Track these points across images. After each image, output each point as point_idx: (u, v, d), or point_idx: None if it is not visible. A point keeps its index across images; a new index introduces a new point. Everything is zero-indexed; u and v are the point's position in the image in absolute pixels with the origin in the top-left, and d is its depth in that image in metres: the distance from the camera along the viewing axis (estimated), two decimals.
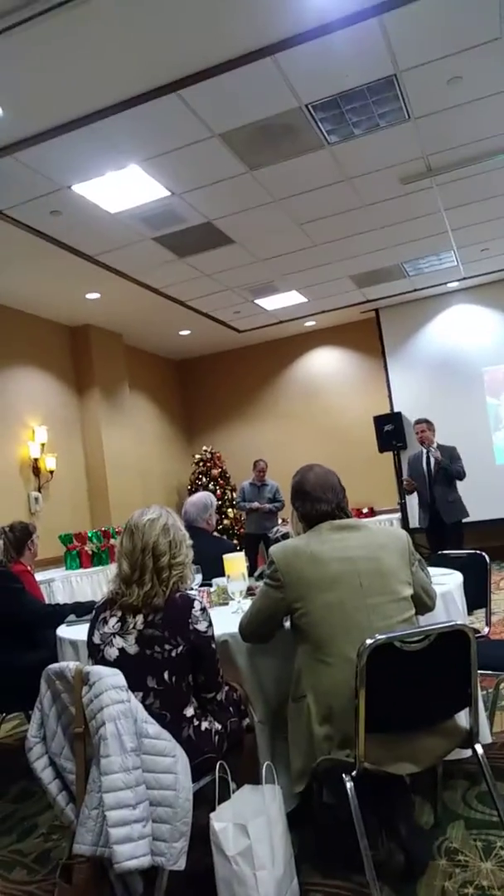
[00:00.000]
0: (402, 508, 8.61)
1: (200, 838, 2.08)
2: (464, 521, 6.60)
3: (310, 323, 9.46)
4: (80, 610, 3.21)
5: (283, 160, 4.95)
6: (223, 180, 5.13)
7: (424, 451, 6.70)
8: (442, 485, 6.56)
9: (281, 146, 4.76)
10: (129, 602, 2.10)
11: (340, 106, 4.39)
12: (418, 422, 6.77)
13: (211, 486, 9.35)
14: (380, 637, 1.89)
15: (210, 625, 2.16)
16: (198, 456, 9.79)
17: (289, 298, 8.19)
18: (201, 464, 9.67)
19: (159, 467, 9.70)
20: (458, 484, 6.63)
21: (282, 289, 7.82)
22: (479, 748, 2.08)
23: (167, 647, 2.05)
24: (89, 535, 6.82)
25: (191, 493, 9.48)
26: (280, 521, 8.04)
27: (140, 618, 2.09)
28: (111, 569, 6.65)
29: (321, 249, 6.75)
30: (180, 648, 2.06)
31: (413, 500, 8.46)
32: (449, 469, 6.52)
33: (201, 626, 2.12)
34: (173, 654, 2.05)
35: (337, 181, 5.38)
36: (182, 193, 5.24)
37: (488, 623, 3.38)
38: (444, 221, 6.46)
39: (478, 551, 3.54)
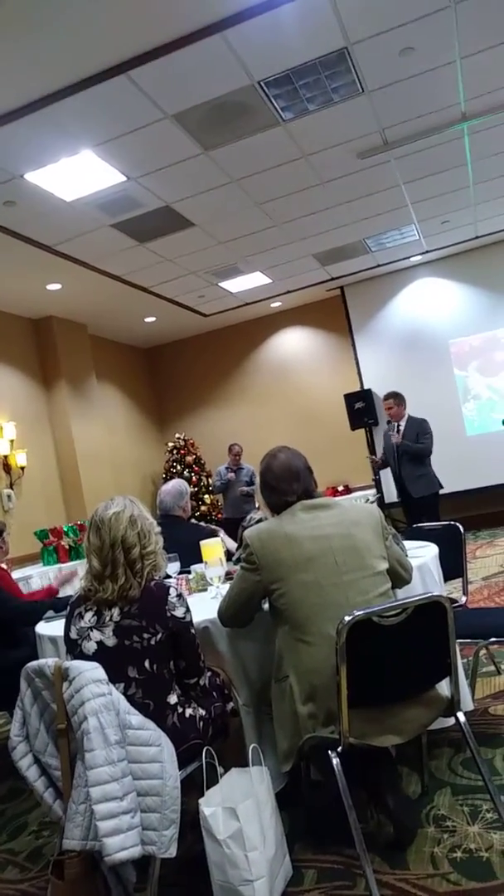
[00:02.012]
0: (377, 484, 8.67)
1: (191, 824, 2.09)
2: (439, 493, 6.63)
3: (276, 304, 9.42)
4: (58, 605, 3.18)
5: (238, 139, 4.89)
6: (179, 162, 5.05)
7: (395, 425, 6.69)
8: (407, 461, 6.53)
9: (235, 125, 4.70)
10: (104, 597, 2.07)
11: (293, 81, 4.34)
12: (386, 397, 6.75)
13: (186, 473, 9.32)
14: (357, 613, 1.89)
15: (187, 610, 2.15)
16: (171, 444, 9.74)
17: (253, 280, 8.14)
18: (175, 451, 9.63)
19: (132, 457, 9.64)
20: (432, 456, 6.64)
21: (245, 270, 7.77)
22: (461, 716, 2.11)
23: (146, 635, 2.03)
24: (65, 529, 6.76)
25: (165, 481, 9.43)
26: (256, 505, 8.06)
27: (116, 610, 2.07)
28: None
29: (282, 229, 6.71)
30: (159, 636, 2.04)
31: (387, 476, 8.54)
32: (409, 449, 6.49)
33: (178, 612, 2.11)
34: (152, 641, 2.04)
35: (294, 158, 5.33)
36: (138, 178, 5.16)
37: (465, 592, 3.43)
38: (404, 195, 6.45)
39: (452, 522, 3.58)
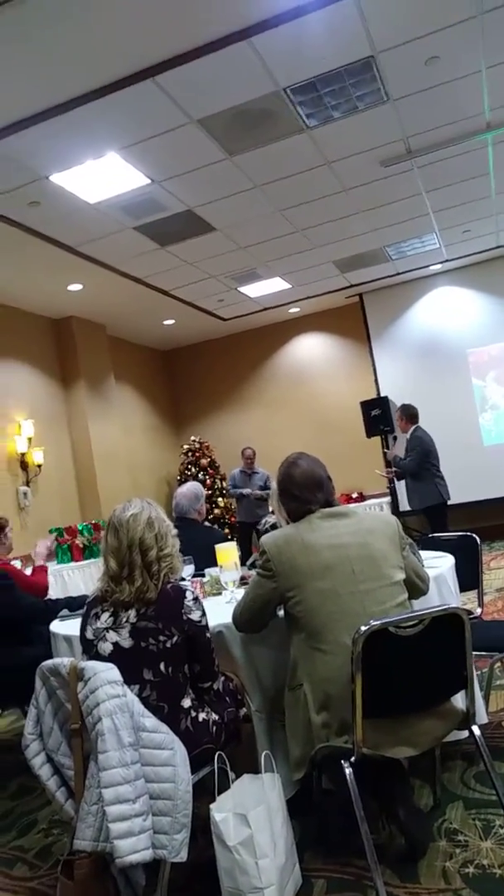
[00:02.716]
0: (392, 493, 8.64)
1: (201, 829, 2.09)
2: (451, 503, 6.60)
3: (294, 309, 9.43)
4: (72, 605, 3.20)
5: (262, 145, 4.90)
6: (202, 167, 5.07)
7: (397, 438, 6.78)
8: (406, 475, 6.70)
9: (260, 131, 4.71)
10: (120, 599, 2.08)
11: (318, 89, 4.35)
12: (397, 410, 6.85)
13: (200, 475, 9.34)
14: (374, 623, 1.89)
15: (203, 614, 2.15)
16: (186, 446, 9.76)
17: (272, 285, 8.15)
18: (190, 454, 9.64)
19: (148, 458, 9.67)
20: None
21: (265, 276, 7.78)
22: (475, 729, 2.09)
23: (161, 638, 2.04)
24: (80, 528, 6.79)
25: (180, 483, 9.45)
26: (270, 509, 8.05)
27: (132, 611, 2.08)
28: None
29: (303, 235, 6.72)
30: (175, 639, 2.05)
31: (402, 484, 8.52)
32: (398, 465, 6.67)
33: (195, 616, 2.11)
34: (168, 644, 2.04)
35: (317, 165, 5.34)
36: (162, 181, 5.19)
37: (480, 604, 3.40)
38: (426, 204, 6.43)
39: (468, 533, 3.56)
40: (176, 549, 2.23)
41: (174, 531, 2.28)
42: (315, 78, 4.21)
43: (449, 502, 6.59)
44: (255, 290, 8.22)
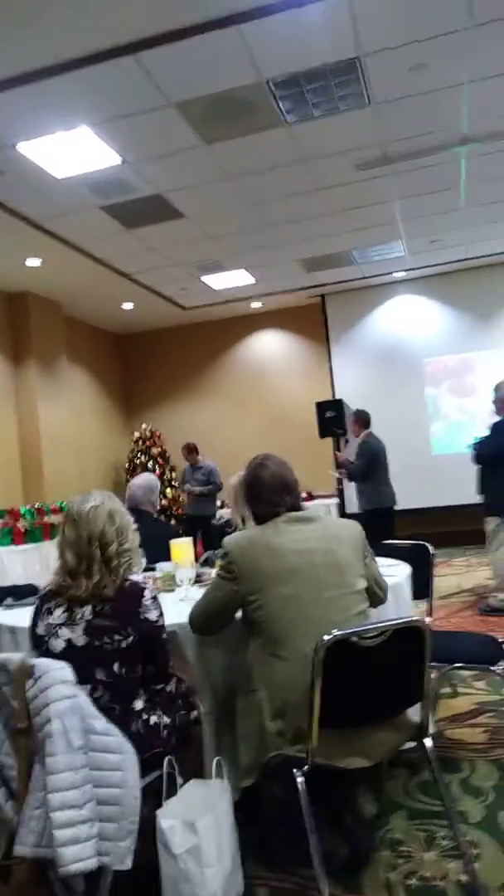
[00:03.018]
0: (340, 494, 8.69)
1: (143, 832, 2.02)
2: (397, 508, 6.67)
3: (256, 304, 9.38)
4: (17, 593, 3.07)
5: (239, 136, 4.83)
6: (177, 152, 4.97)
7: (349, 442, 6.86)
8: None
9: (239, 121, 4.64)
10: (76, 594, 2.00)
11: (301, 85, 4.30)
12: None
13: (150, 464, 9.20)
14: (337, 633, 1.86)
15: (161, 614, 2.09)
16: (137, 434, 9.60)
17: (236, 278, 8.08)
18: (140, 442, 9.49)
19: (97, 443, 9.48)
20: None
21: (230, 267, 7.70)
22: (427, 742, 2.09)
23: (117, 637, 1.97)
24: (22, 511, 6.60)
25: (129, 470, 9.33)
26: (218, 503, 8.00)
27: (88, 608, 2.00)
28: (44, 546, 6.47)
29: (272, 230, 6.67)
30: (130, 639, 1.98)
31: (350, 487, 8.57)
32: (347, 468, 6.81)
33: (152, 616, 2.05)
34: (123, 644, 1.97)
35: (293, 162, 5.30)
36: (134, 162, 5.05)
37: (430, 614, 3.43)
38: (396, 211, 6.47)
39: (421, 542, 3.58)
40: (136, 543, 2.16)
41: (134, 525, 2.21)
42: (299, 73, 4.16)
43: (395, 508, 6.66)
44: (219, 280, 8.14)
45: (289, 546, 2.12)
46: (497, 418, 5.29)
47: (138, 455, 9.43)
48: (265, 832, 2.23)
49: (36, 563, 6.33)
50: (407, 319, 8.80)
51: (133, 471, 9.24)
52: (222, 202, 5.88)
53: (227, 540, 2.20)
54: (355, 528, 2.28)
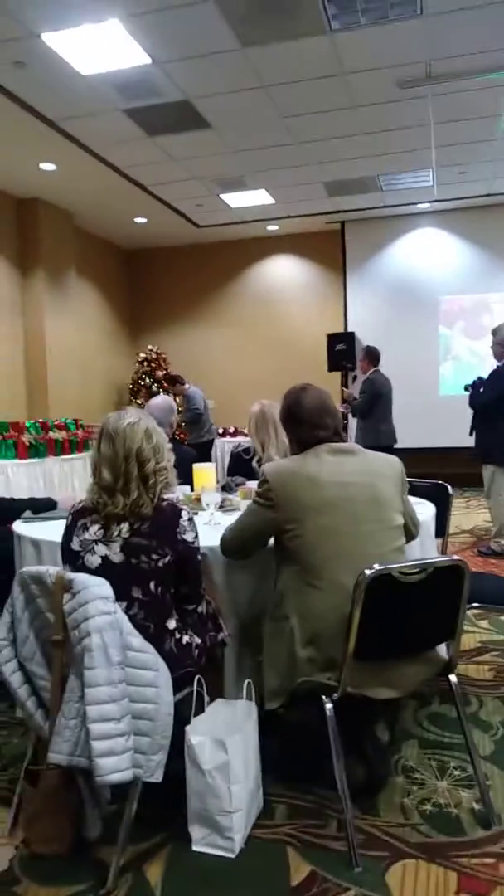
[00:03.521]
0: (345, 430, 8.65)
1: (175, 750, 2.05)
2: (399, 446, 6.61)
3: (272, 227, 9.08)
4: (36, 507, 3.04)
5: (279, 40, 4.54)
6: (211, 54, 4.68)
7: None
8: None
9: (280, 23, 4.34)
10: (113, 512, 1.96)
11: None
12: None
13: (154, 387, 9.09)
14: (380, 568, 1.84)
15: (196, 535, 2.06)
16: (142, 355, 9.44)
17: (256, 197, 7.78)
18: (146, 363, 9.34)
19: (101, 362, 9.33)
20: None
21: (251, 185, 7.41)
22: (453, 677, 2.11)
23: (154, 556, 1.94)
24: (27, 425, 6.53)
25: (132, 392, 9.22)
26: (204, 427, 7.83)
27: (125, 525, 1.96)
28: (48, 462, 6.44)
29: (300, 148, 6.38)
30: (167, 558, 1.96)
31: (353, 423, 8.54)
32: (350, 405, 6.82)
33: (189, 537, 2.02)
34: (160, 563, 1.95)
35: (331, 74, 5.01)
36: (164, 63, 4.76)
37: (444, 553, 3.44)
38: (431, 136, 6.19)
39: (440, 482, 3.56)
40: (171, 463, 2.11)
41: (169, 445, 2.15)
42: None
43: (396, 446, 6.63)
44: (238, 199, 7.84)
45: (329, 478, 2.07)
46: (496, 364, 5.20)
47: (143, 377, 9.29)
48: (286, 753, 2.28)
49: (40, 478, 6.31)
50: (426, 254, 8.56)
51: (137, 392, 9.14)
52: (252, 113, 5.59)
53: (267, 467, 2.15)
54: (397, 463, 2.23)
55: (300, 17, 4.27)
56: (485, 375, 5.32)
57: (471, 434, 5.35)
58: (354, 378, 7.62)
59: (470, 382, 5.40)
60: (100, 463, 2.03)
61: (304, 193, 7.70)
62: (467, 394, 5.37)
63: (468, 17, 4.32)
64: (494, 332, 5.32)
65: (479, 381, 5.35)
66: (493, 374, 5.22)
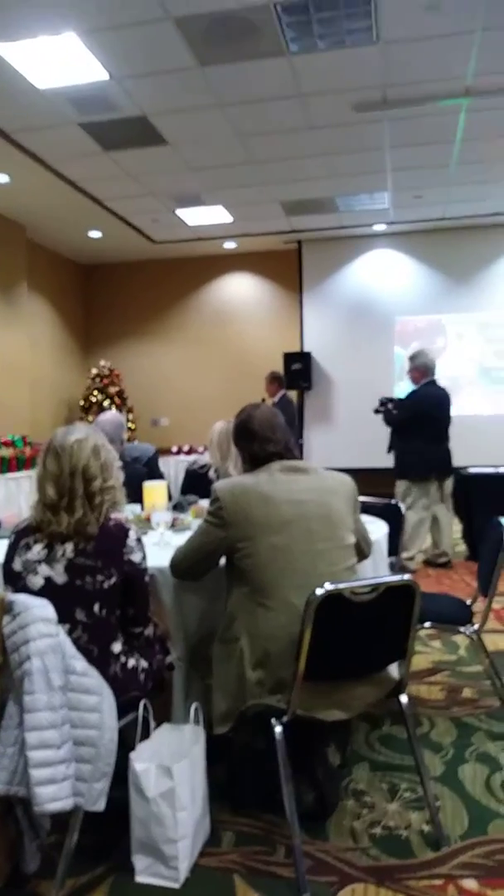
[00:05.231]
0: (300, 448, 8.69)
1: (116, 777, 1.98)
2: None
3: (229, 244, 9.10)
4: None
5: (237, 60, 4.55)
6: (169, 72, 4.67)
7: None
8: None
9: (239, 45, 4.37)
10: (57, 531, 1.90)
11: (310, 12, 4.06)
12: None
13: (107, 403, 8.96)
14: (330, 587, 1.82)
15: (144, 556, 2.02)
16: (95, 370, 9.31)
17: (213, 214, 7.79)
18: (98, 379, 9.21)
19: (52, 378, 9.16)
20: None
21: (208, 202, 7.40)
22: (403, 698, 2.09)
23: (99, 577, 1.89)
24: None
25: (83, 409, 9.08)
26: (201, 448, 7.86)
27: (70, 546, 1.90)
28: None
29: (258, 167, 6.42)
30: (113, 580, 1.90)
31: (315, 440, 8.62)
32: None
33: (136, 557, 1.97)
34: (105, 585, 1.89)
35: (290, 95, 5.05)
36: (122, 78, 4.73)
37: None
38: (386, 159, 6.29)
39: (393, 501, 3.58)
40: (120, 481, 2.06)
41: (119, 462, 2.11)
42: None
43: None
44: (194, 216, 7.84)
45: (283, 496, 2.05)
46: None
47: (94, 393, 9.15)
48: (233, 778, 2.23)
49: (31, 508, 6.13)
50: (382, 275, 8.69)
51: (88, 409, 9.01)
52: (209, 131, 5.60)
53: (218, 485, 2.12)
54: (349, 482, 2.23)
55: (259, 38, 4.31)
56: (386, 397, 5.80)
57: (388, 452, 5.70)
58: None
59: (378, 405, 5.71)
60: (44, 479, 1.97)
61: (261, 212, 7.75)
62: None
63: (423, 45, 4.42)
64: (412, 358, 5.73)
65: (387, 400, 5.71)
66: (411, 394, 5.64)
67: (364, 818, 2.13)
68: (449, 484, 5.56)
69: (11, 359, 7.80)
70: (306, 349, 8.82)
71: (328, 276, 8.84)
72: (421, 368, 5.61)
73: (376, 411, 5.72)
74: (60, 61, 4.50)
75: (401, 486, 5.49)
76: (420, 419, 5.45)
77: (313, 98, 5.08)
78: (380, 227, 8.35)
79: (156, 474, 3.68)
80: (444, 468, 5.52)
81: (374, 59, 4.57)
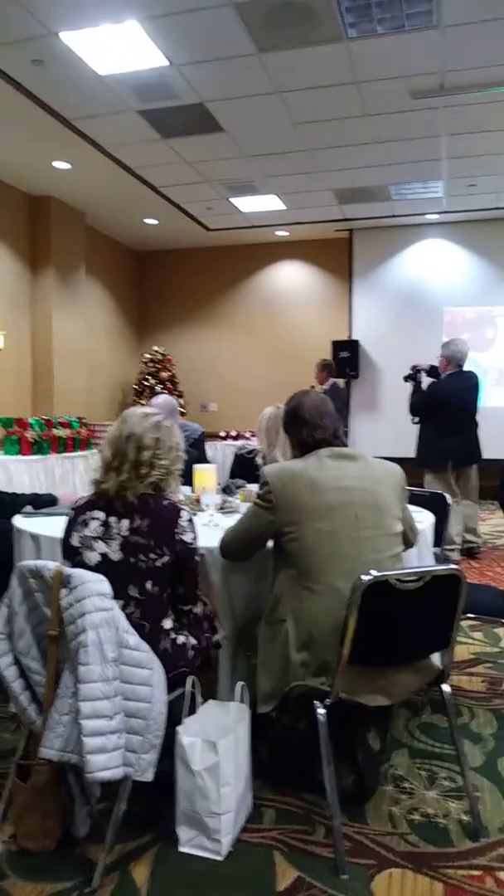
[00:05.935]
0: (345, 435, 8.67)
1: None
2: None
3: (281, 233, 9.10)
4: (37, 502, 3.04)
5: (295, 46, 4.55)
6: (228, 58, 4.70)
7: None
8: None
9: (298, 30, 4.36)
10: (104, 488, 1.98)
11: None
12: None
13: (158, 387, 9.09)
14: (377, 574, 1.84)
15: (195, 536, 2.07)
16: (148, 355, 9.45)
17: (266, 202, 7.80)
18: (151, 364, 9.34)
19: (107, 361, 9.34)
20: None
21: (262, 190, 7.42)
22: (445, 687, 2.11)
23: (152, 555, 1.95)
24: (31, 421, 6.53)
25: (137, 392, 9.23)
26: (249, 434, 7.94)
27: (125, 523, 1.97)
28: (51, 459, 6.45)
29: (312, 155, 6.39)
30: (165, 558, 1.96)
31: (360, 429, 8.59)
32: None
33: (187, 537, 2.03)
34: (158, 563, 1.95)
35: (346, 83, 5.02)
36: (181, 65, 4.78)
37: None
38: (442, 147, 6.20)
39: (440, 492, 3.57)
40: (176, 468, 2.11)
41: (183, 455, 2.16)
42: None
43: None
44: (248, 204, 7.86)
45: (330, 482, 2.08)
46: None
47: (147, 378, 9.29)
48: (275, 757, 2.28)
49: (41, 474, 6.31)
50: (432, 265, 8.57)
51: (141, 393, 9.14)
52: (266, 118, 5.61)
53: (268, 469, 2.16)
54: (397, 471, 2.24)
55: (318, 24, 4.29)
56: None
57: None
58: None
59: (410, 370, 5.67)
60: (106, 441, 2.07)
61: (314, 200, 7.72)
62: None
63: (484, 29, 4.34)
64: (443, 346, 5.60)
65: (419, 369, 5.64)
66: (431, 384, 5.52)
67: (403, 804, 2.15)
68: (473, 474, 5.48)
69: (69, 341, 7.97)
70: (354, 338, 8.77)
71: (378, 265, 8.76)
72: (448, 357, 5.50)
73: (406, 378, 5.69)
74: (122, 48, 4.57)
75: (427, 476, 5.44)
76: (434, 409, 5.39)
77: (369, 85, 5.04)
78: (432, 217, 8.24)
79: (201, 456, 3.73)
80: (460, 458, 5.42)
81: (434, 43, 4.50)
